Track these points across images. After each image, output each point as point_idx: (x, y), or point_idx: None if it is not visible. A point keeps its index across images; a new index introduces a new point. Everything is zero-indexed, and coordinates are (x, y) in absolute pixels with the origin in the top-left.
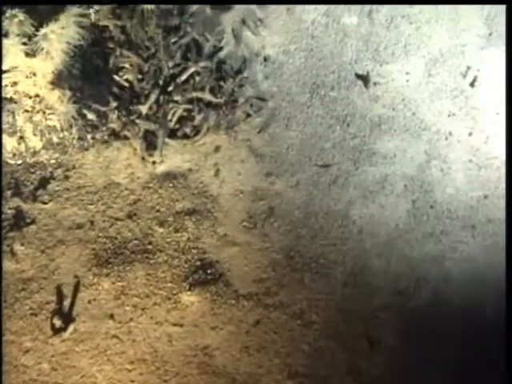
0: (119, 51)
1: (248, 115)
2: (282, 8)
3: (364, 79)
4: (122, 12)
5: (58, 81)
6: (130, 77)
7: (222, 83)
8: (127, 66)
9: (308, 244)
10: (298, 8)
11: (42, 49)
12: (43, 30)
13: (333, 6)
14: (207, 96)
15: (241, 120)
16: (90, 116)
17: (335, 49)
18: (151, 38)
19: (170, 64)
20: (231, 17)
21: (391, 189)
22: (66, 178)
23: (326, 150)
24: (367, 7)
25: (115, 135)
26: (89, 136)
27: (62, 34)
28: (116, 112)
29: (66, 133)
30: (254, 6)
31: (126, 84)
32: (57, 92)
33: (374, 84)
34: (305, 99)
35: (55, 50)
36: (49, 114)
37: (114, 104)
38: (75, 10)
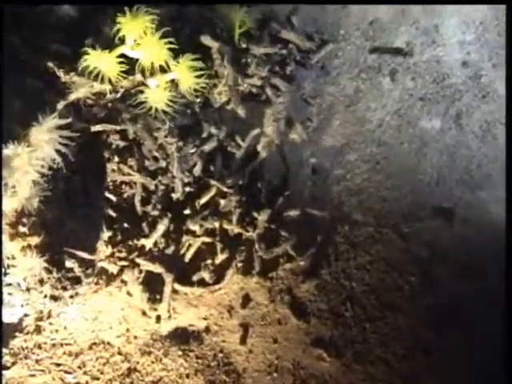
0: (117, 165)
1: (289, 257)
2: (341, 104)
3: (448, 212)
4: (124, 113)
5: (23, 221)
6: (130, 198)
7: (255, 210)
8: (127, 183)
9: None
10: (362, 105)
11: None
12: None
13: (407, 104)
14: (234, 227)
15: (279, 263)
16: (70, 264)
17: (410, 163)
18: (161, 146)
19: (186, 180)
20: (272, 113)
21: None
22: (38, 330)
23: (396, 310)
24: (454, 109)
25: (108, 278)
26: (67, 294)
27: (29, 160)
28: (109, 247)
29: (34, 292)
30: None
31: (125, 207)
32: (19, 239)
33: (464, 220)
34: (367, 233)
35: (20, 182)
36: (9, 267)
37: (106, 235)
38: (54, 121)
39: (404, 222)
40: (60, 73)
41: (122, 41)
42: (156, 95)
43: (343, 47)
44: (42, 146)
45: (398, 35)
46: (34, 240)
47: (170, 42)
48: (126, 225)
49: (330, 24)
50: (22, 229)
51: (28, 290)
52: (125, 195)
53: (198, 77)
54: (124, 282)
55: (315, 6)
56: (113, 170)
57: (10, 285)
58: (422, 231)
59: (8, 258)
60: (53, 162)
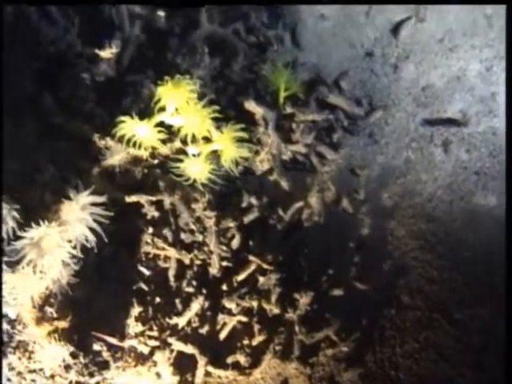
0: (151, 236)
1: (332, 342)
2: (389, 175)
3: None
4: (160, 181)
5: (50, 302)
6: (164, 272)
7: (296, 290)
8: (161, 256)
9: None
10: (412, 177)
11: (30, 261)
12: (31, 234)
13: (461, 178)
14: (273, 307)
15: (320, 348)
16: (98, 347)
17: (462, 242)
18: (199, 219)
19: (223, 254)
20: (316, 183)
21: None
22: None
23: None
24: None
25: (137, 357)
26: (93, 381)
27: (61, 240)
28: (140, 324)
29: (58, 378)
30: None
31: (158, 281)
32: (46, 323)
33: None
34: (415, 318)
35: (50, 264)
36: (32, 352)
37: (137, 310)
38: (87, 199)
39: (455, 307)
40: (95, 137)
41: (162, 108)
42: (196, 165)
43: (393, 113)
44: (73, 225)
45: (452, 102)
46: (62, 324)
47: (214, 111)
48: (158, 300)
49: (379, 88)
50: (48, 310)
51: (52, 376)
52: (158, 268)
53: (242, 147)
54: (154, 362)
55: (365, 70)
56: (146, 242)
57: (33, 371)
58: (475, 318)
59: (34, 343)
60: (85, 241)
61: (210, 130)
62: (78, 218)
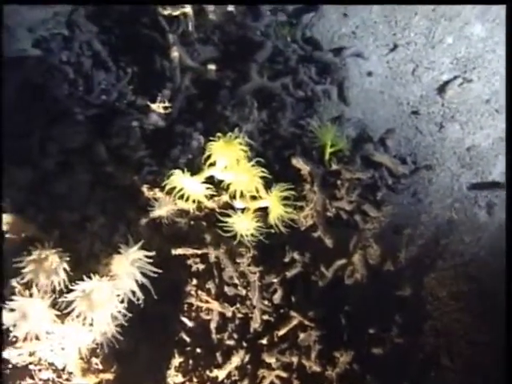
0: (195, 288)
1: None
2: (432, 235)
3: None
4: (206, 234)
5: (96, 352)
6: (206, 324)
7: (336, 348)
8: (203, 308)
9: None
10: (454, 237)
11: (80, 314)
12: (82, 286)
13: (504, 240)
14: (313, 364)
15: None
16: None
17: (504, 303)
18: (243, 273)
19: (265, 309)
20: (359, 240)
21: None
22: None
23: None
24: None
25: None
26: None
27: (111, 294)
28: (180, 375)
29: None
30: None
31: (200, 333)
32: (92, 375)
33: None
34: (455, 381)
35: (99, 317)
36: None
37: (178, 361)
38: (137, 253)
39: (495, 372)
40: (144, 188)
41: (212, 163)
42: (243, 222)
43: (437, 173)
44: (123, 279)
45: (497, 164)
46: (106, 376)
47: (263, 171)
48: (199, 351)
49: (424, 147)
50: (94, 361)
51: None
52: (200, 320)
53: (289, 207)
54: None
55: (411, 128)
56: (190, 294)
57: None
58: None
59: None
60: (132, 295)
61: (259, 188)
62: (127, 272)
